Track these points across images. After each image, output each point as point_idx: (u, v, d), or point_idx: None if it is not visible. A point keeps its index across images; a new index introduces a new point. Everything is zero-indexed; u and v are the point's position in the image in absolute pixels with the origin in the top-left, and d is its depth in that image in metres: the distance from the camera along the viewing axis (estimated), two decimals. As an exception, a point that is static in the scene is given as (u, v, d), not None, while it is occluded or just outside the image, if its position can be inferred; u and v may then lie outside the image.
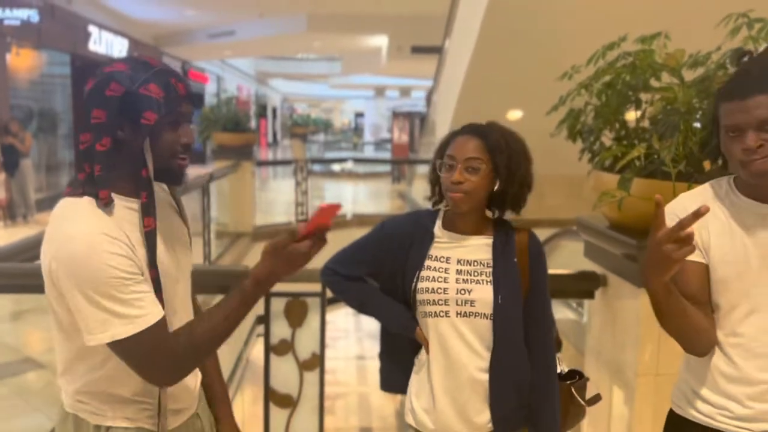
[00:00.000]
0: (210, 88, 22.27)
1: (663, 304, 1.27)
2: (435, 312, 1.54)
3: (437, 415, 1.57)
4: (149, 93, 1.16)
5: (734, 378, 1.31)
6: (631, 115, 2.14)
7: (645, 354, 2.01)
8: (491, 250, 1.55)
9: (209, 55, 19.98)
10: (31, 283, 2.22)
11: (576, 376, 1.67)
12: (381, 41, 15.86)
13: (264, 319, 2.27)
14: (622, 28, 2.36)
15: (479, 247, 1.57)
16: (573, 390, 1.63)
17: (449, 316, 1.53)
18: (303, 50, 21.53)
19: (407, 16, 13.19)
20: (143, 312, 1.15)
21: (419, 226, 1.61)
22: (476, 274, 1.54)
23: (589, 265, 2.40)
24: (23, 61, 10.93)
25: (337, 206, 1.23)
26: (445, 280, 1.54)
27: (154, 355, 1.18)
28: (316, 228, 1.21)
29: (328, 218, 1.21)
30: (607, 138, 2.22)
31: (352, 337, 13.17)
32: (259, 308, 2.30)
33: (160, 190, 1.33)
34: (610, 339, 2.21)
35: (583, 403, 1.64)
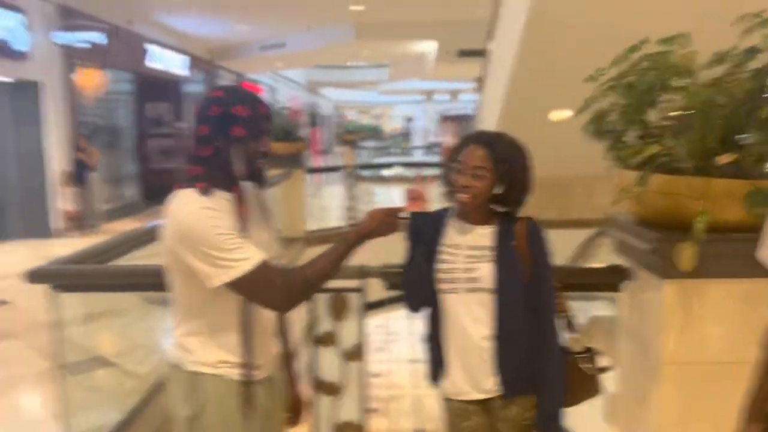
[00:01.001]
0: (264, 99, 22.87)
1: None
2: (447, 289, 1.84)
3: (451, 380, 1.84)
4: (238, 113, 1.55)
5: None
6: (652, 115, 2.23)
7: (670, 343, 2.09)
8: (493, 237, 1.83)
9: (262, 67, 20.56)
10: (103, 283, 2.49)
11: (588, 352, 1.89)
12: (428, 46, 16.00)
13: (311, 313, 2.46)
14: (654, 28, 2.44)
15: (484, 235, 1.85)
16: (579, 362, 1.86)
17: (458, 293, 1.82)
18: (352, 59, 21.90)
19: (453, 20, 13.29)
20: (247, 256, 1.49)
21: (438, 218, 1.93)
22: (481, 256, 1.82)
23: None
24: (90, 80, 11.61)
25: (418, 191, 1.61)
26: (454, 262, 1.83)
27: (267, 288, 1.52)
28: (412, 205, 1.57)
29: (420, 200, 1.57)
30: (631, 137, 2.31)
31: (405, 340, 13.27)
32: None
33: (249, 189, 1.69)
34: (638, 330, 2.30)
35: (588, 374, 1.85)
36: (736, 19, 2.02)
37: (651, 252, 2.13)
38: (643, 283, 2.27)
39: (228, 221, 1.52)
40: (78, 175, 10.21)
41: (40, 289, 2.39)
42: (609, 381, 2.82)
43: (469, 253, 1.83)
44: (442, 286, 1.85)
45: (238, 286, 1.50)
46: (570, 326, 1.96)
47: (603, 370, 1.94)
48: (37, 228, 9.78)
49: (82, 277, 2.44)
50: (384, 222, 1.65)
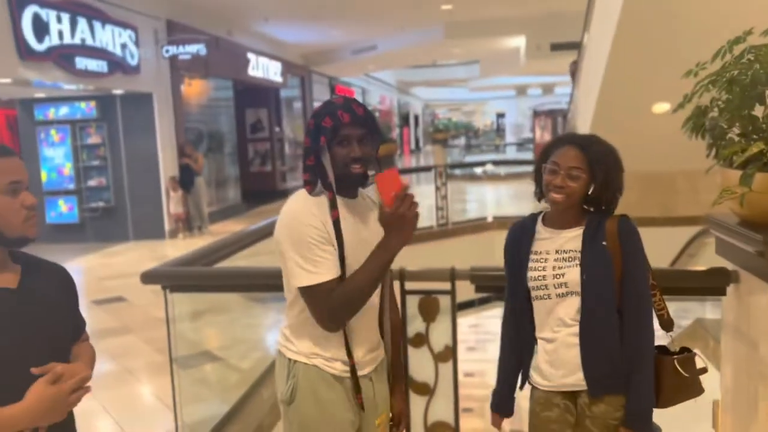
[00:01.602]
0: (355, 101, 23.26)
1: None
2: (539, 296, 1.88)
3: (539, 371, 1.89)
4: (324, 123, 1.65)
5: None
6: (759, 111, 2.11)
7: (778, 350, 1.98)
8: (582, 239, 1.84)
9: (354, 70, 20.96)
10: (210, 284, 2.68)
11: (684, 352, 1.85)
12: (519, 41, 15.71)
13: (402, 315, 2.53)
14: (754, 18, 2.32)
15: (572, 239, 1.86)
16: (676, 363, 1.81)
17: (551, 298, 1.86)
18: (442, 57, 21.87)
19: (543, 14, 12.98)
20: (319, 270, 1.61)
21: (524, 227, 1.94)
22: (569, 260, 1.84)
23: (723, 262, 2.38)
24: (194, 89, 12.34)
25: (392, 171, 1.60)
26: (544, 269, 1.87)
27: (317, 305, 1.63)
28: (394, 197, 1.56)
29: (394, 184, 1.56)
30: (734, 134, 2.20)
31: (499, 340, 13.13)
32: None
33: (365, 196, 1.81)
34: (745, 335, 2.19)
35: (685, 375, 1.81)
36: None
37: (756, 255, 2.03)
38: (750, 287, 2.16)
39: (323, 226, 1.63)
40: (185, 179, 10.87)
41: (154, 287, 2.60)
42: (715, 386, 2.70)
43: (557, 257, 1.86)
44: (534, 293, 1.89)
45: (301, 291, 1.65)
46: (667, 326, 1.92)
47: (701, 371, 1.89)
48: (153, 230, 10.52)
49: (190, 278, 2.63)
50: (394, 228, 1.59)
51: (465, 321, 7.40)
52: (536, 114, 22.71)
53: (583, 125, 7.99)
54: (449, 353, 2.53)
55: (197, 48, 10.57)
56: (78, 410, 1.44)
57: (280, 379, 1.76)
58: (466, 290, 2.51)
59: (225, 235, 3.79)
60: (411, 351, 2.55)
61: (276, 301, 6.08)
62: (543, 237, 1.91)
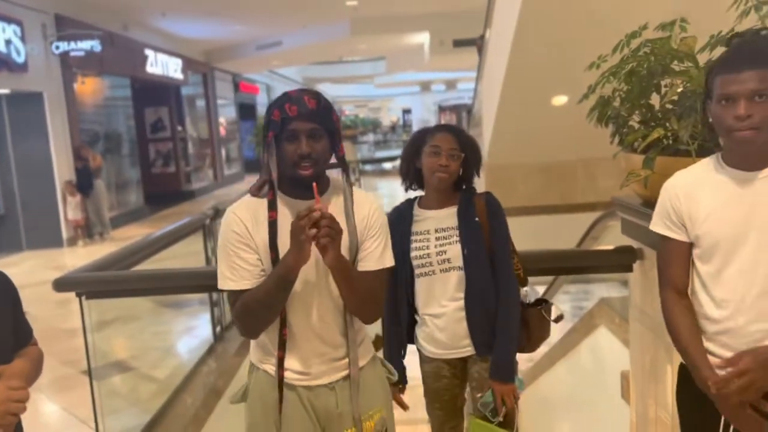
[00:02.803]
0: (260, 99, 22.88)
1: None
2: (424, 273, 2.08)
3: (435, 343, 2.12)
4: (273, 117, 1.53)
5: (721, 330, 1.53)
6: (655, 99, 2.28)
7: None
8: (457, 216, 2.07)
9: (258, 66, 20.59)
10: (133, 288, 2.56)
11: (542, 303, 2.21)
12: (423, 38, 16.02)
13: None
14: (650, 12, 2.49)
15: (448, 216, 2.09)
16: (542, 312, 2.15)
17: (435, 274, 2.07)
18: (348, 54, 21.91)
19: (446, 11, 13.31)
20: (233, 277, 1.57)
21: (401, 211, 2.16)
22: (448, 237, 2.06)
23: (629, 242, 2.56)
24: (87, 87, 11.66)
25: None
26: (428, 247, 2.07)
27: (232, 311, 1.61)
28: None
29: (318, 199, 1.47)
30: (634, 121, 2.37)
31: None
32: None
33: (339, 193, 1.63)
34: (650, 305, 2.36)
35: (548, 319, 2.17)
36: (732, 3, 2.08)
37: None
38: (653, 262, 2.32)
39: (247, 233, 1.56)
40: (83, 182, 10.27)
41: (54, 298, 2.44)
42: (624, 359, 2.90)
43: (438, 235, 2.07)
44: (418, 270, 2.09)
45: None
46: (523, 283, 2.19)
47: (558, 319, 2.22)
48: (49, 238, 9.86)
49: (109, 283, 2.51)
50: (294, 238, 1.45)
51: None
52: (441, 109, 23.29)
53: (488, 120, 8.27)
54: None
55: (91, 44, 10.01)
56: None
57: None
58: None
59: (130, 241, 3.62)
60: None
61: (189, 305, 5.89)
62: (421, 218, 2.12)
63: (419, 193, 2.20)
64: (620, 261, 2.48)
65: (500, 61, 7.41)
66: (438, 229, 2.08)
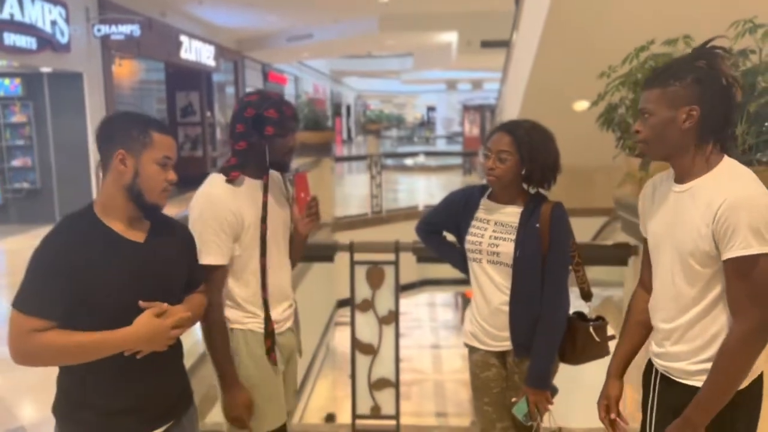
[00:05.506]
0: (288, 89, 23.20)
1: None
2: (473, 258, 2.13)
3: (476, 333, 2.15)
4: (269, 115, 1.86)
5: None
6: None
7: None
8: (520, 217, 2.06)
9: (288, 57, 20.87)
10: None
11: (599, 320, 2.12)
12: (451, 37, 16.18)
13: (351, 283, 2.80)
14: (663, 29, 2.69)
15: (511, 214, 2.09)
16: (591, 329, 2.07)
17: (481, 263, 2.11)
18: (376, 49, 22.12)
19: (475, 12, 13.47)
20: (207, 251, 1.83)
21: (471, 195, 2.18)
22: (505, 233, 2.07)
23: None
24: (124, 69, 12.06)
25: (304, 174, 1.97)
26: (482, 236, 2.10)
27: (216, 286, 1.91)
28: (303, 199, 1.96)
29: (305, 188, 1.96)
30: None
31: (427, 327, 13.50)
32: (341, 292, 2.83)
33: (276, 177, 2.03)
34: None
35: (597, 339, 2.08)
36: (730, 24, 2.29)
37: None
38: (646, 258, 2.55)
39: (224, 215, 1.85)
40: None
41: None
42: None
43: (495, 229, 2.08)
44: (470, 255, 2.13)
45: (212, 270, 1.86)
46: (587, 297, 2.19)
47: (611, 338, 2.14)
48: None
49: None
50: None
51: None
52: (466, 108, 23.39)
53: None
54: (392, 317, 2.83)
55: (131, 29, 10.36)
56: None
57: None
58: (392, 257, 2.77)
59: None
60: (358, 315, 2.83)
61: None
62: (485, 208, 2.13)
63: None
64: (617, 255, 2.70)
65: (525, 64, 7.60)
66: (497, 223, 2.08)
